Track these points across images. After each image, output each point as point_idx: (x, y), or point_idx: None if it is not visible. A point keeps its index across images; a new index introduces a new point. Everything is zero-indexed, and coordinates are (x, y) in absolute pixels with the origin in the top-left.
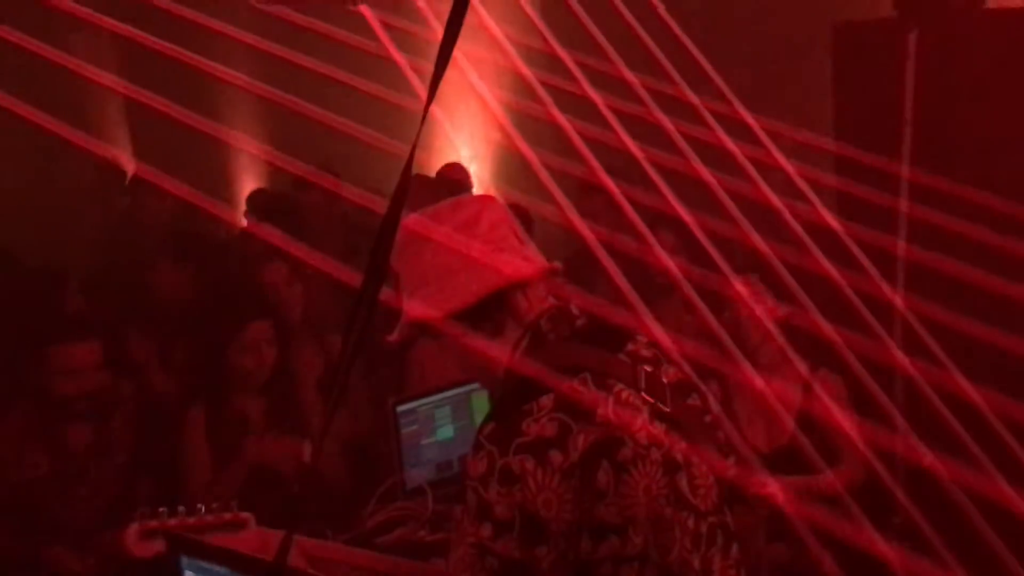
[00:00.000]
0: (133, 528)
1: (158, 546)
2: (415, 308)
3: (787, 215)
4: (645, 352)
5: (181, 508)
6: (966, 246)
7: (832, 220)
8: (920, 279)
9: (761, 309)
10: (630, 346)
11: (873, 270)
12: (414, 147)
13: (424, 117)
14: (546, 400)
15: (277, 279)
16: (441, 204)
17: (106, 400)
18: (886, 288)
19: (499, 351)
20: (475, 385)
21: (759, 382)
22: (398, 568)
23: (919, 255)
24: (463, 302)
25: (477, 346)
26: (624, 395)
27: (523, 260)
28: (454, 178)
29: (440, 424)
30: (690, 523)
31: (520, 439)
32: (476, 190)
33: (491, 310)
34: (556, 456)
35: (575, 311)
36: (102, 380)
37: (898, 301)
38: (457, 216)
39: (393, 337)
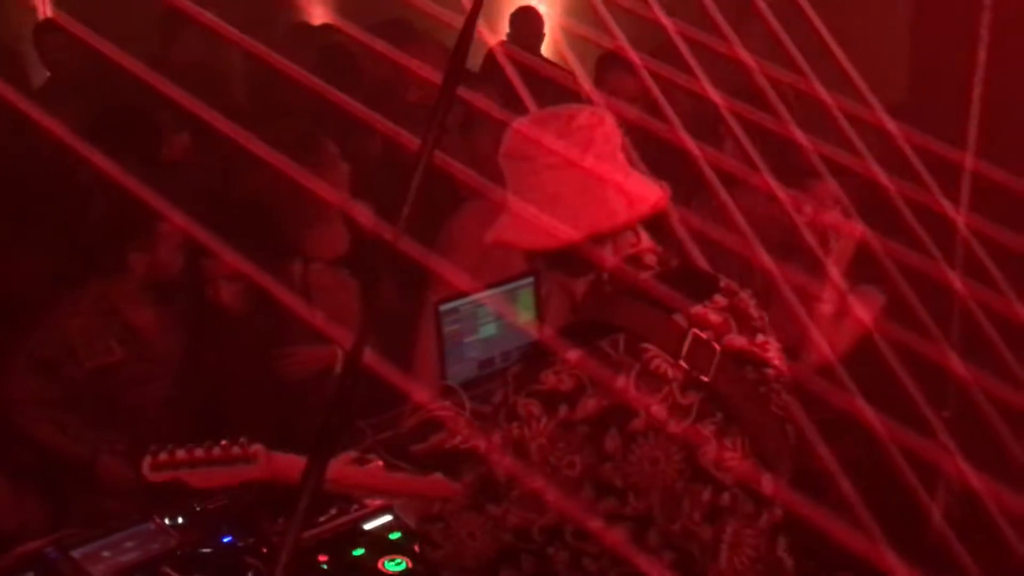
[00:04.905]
0: (147, 461)
1: (169, 475)
2: (508, 230)
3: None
4: (714, 317)
5: (190, 444)
6: None
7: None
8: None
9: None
10: (698, 308)
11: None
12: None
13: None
14: (573, 355)
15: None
16: (557, 116)
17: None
18: (948, 206)
19: (577, 288)
20: (521, 282)
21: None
22: (416, 486)
23: (987, 173)
24: (550, 243)
25: (556, 281)
26: (655, 364)
27: (623, 205)
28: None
29: (483, 322)
30: (705, 496)
31: (535, 385)
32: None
33: (574, 256)
34: (563, 409)
35: (650, 261)
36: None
37: (960, 221)
38: (569, 137)
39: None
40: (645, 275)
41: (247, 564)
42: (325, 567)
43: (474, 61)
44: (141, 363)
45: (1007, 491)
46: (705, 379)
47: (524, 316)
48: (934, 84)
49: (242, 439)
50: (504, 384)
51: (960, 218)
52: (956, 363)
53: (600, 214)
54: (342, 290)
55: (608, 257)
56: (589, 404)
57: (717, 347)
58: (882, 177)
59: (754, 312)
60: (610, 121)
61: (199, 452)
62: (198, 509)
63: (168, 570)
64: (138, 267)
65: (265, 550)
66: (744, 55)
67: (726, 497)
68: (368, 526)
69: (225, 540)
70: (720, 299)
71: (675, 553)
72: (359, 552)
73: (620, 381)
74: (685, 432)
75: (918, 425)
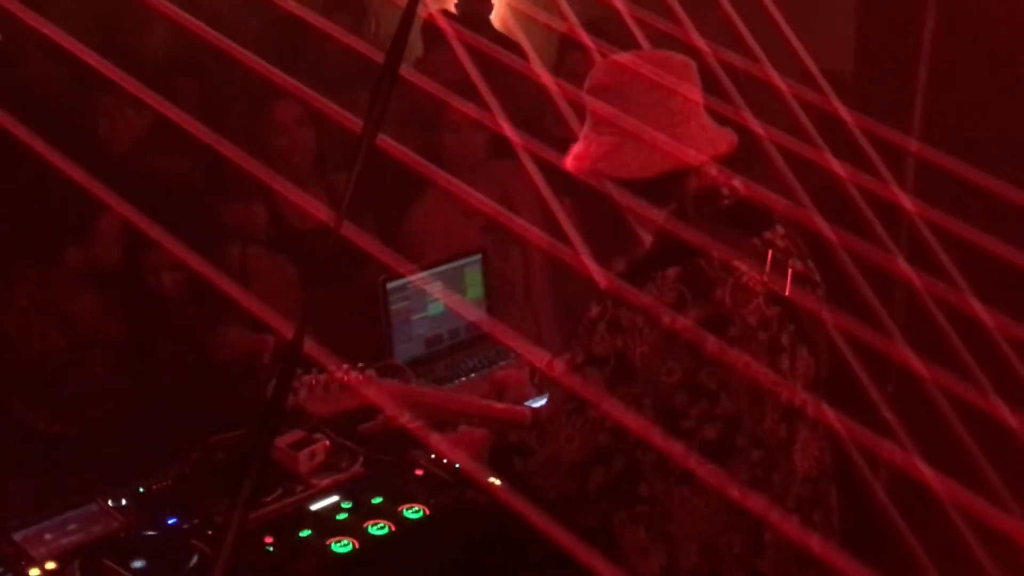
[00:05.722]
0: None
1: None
2: (593, 161)
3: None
4: (780, 242)
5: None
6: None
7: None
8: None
9: None
10: (767, 234)
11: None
12: None
13: None
14: (672, 271)
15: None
16: (652, 58)
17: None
18: (896, 189)
19: (657, 217)
20: (469, 259)
21: None
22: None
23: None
24: (640, 173)
25: (639, 211)
26: (745, 278)
27: (706, 141)
28: None
29: (431, 299)
30: (783, 398)
31: (638, 300)
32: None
33: (665, 184)
34: (666, 319)
35: (726, 191)
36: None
37: (907, 204)
38: (659, 79)
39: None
40: (724, 203)
41: (192, 546)
42: (271, 549)
43: None
44: (81, 349)
45: (948, 468)
46: (785, 294)
47: (471, 293)
48: (879, 63)
49: (360, 364)
50: (601, 301)
51: (906, 201)
52: (899, 342)
53: (688, 148)
54: (279, 273)
55: (693, 186)
56: (691, 315)
57: (790, 269)
58: (833, 162)
59: (801, 242)
60: (694, 66)
61: (323, 378)
62: (142, 491)
63: (112, 553)
64: (74, 261)
65: (211, 532)
66: (696, 38)
67: (798, 401)
68: (314, 507)
69: (170, 522)
70: (780, 228)
71: (763, 451)
72: (305, 533)
73: (718, 293)
74: (770, 340)
75: (861, 402)
